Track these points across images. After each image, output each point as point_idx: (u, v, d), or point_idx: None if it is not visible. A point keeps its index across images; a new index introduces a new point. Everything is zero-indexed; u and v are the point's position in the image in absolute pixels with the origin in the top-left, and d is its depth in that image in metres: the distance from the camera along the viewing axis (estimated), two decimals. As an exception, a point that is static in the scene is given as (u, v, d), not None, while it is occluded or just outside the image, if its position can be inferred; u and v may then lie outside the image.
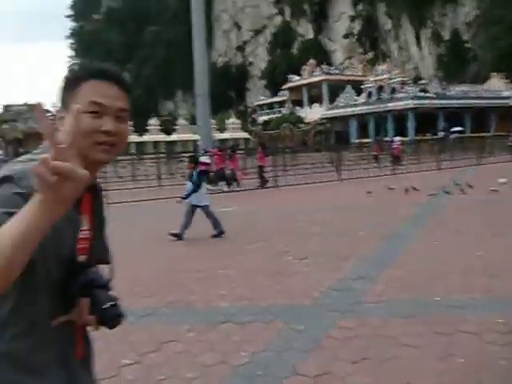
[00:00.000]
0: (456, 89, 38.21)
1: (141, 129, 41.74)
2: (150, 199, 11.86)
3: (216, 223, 7.23)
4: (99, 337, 3.74)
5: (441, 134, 31.08)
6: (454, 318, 3.66)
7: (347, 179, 15.56)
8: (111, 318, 1.01)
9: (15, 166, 0.99)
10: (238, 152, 17.88)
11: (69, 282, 1.00)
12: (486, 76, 40.60)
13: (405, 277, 4.76)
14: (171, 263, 5.78)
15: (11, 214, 0.85)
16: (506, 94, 38.36)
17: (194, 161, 7.68)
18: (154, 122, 42.25)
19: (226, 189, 14.33)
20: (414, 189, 11.50)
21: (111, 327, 1.01)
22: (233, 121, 44.48)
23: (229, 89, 68.85)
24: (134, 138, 40.05)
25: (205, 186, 7.49)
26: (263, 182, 14.83)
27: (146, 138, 40.55)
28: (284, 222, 8.34)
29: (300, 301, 4.19)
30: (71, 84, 1.08)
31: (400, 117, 35.89)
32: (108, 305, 1.00)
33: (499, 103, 37.75)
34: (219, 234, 7.20)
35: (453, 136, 29.76)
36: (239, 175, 15.14)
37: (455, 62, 45.94)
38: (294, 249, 6.13)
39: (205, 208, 7.22)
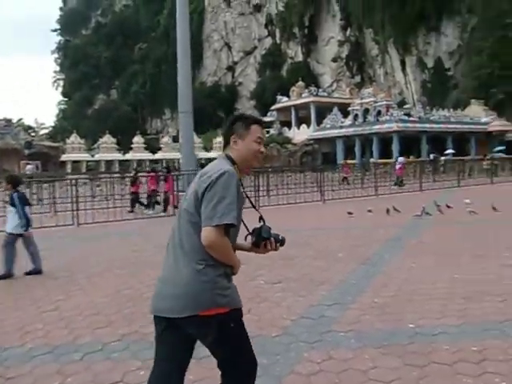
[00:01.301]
0: (438, 113, 38.90)
1: (126, 147, 41.27)
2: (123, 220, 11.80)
3: (35, 257, 6.13)
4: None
5: (431, 156, 31.77)
6: (427, 347, 3.50)
7: (330, 200, 15.46)
8: (282, 241, 2.21)
9: (222, 166, 2.00)
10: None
11: (259, 231, 2.16)
12: (467, 103, 41.59)
13: (379, 302, 4.58)
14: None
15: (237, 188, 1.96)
16: (484, 120, 39.28)
17: (12, 181, 6.20)
18: (138, 139, 41.61)
19: (151, 212, 13.34)
20: (396, 210, 11.41)
21: (283, 245, 2.24)
22: (220, 140, 44.36)
23: (218, 108, 68.94)
24: (117, 155, 39.58)
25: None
26: (165, 207, 13.73)
27: (128, 156, 40.00)
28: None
29: (267, 331, 3.92)
30: (244, 123, 2.13)
31: (385, 139, 36.30)
32: (280, 237, 2.21)
33: (478, 128, 38.71)
34: (36, 271, 6.04)
35: (446, 158, 30.80)
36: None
37: (438, 89, 46.80)
38: (267, 272, 5.90)
39: (23, 236, 6.11)
